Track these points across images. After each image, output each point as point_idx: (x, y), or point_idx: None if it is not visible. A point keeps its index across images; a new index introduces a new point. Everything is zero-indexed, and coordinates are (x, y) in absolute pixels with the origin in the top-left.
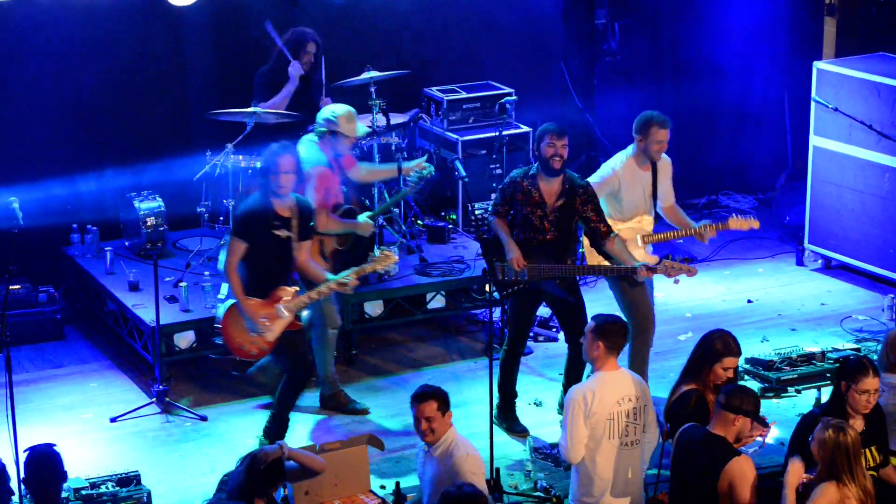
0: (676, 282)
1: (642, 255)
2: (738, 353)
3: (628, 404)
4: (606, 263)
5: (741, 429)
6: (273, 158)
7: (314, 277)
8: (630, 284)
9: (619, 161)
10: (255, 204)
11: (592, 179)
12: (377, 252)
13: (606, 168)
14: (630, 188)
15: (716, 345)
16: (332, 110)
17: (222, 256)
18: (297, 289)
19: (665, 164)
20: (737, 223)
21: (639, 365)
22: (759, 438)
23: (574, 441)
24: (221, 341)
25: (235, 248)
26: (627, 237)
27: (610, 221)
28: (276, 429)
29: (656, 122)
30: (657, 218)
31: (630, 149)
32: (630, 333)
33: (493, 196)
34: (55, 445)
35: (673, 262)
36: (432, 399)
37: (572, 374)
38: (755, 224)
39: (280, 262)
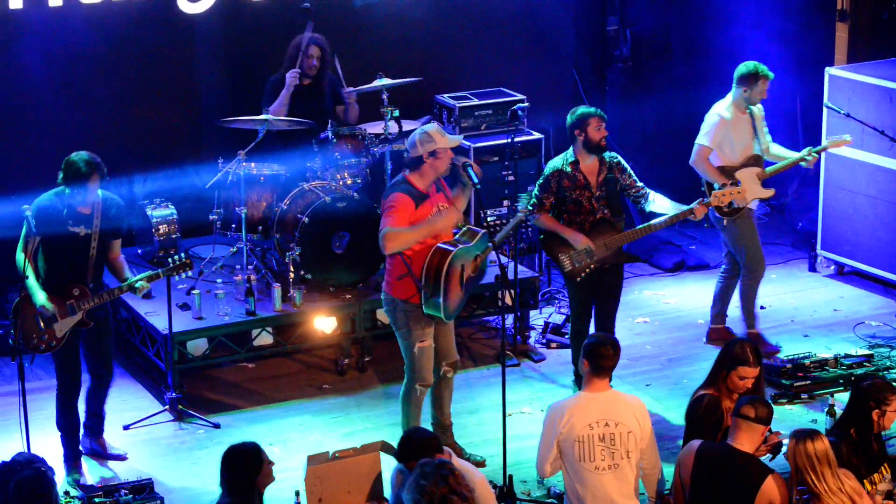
0: (730, 209)
1: (761, 191)
2: (754, 363)
3: (603, 428)
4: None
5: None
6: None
7: (119, 277)
8: (740, 230)
9: (723, 109)
10: (53, 199)
11: (704, 131)
12: (175, 259)
13: (713, 117)
14: (738, 131)
15: (733, 352)
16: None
17: (19, 250)
18: (91, 286)
19: (758, 108)
20: (833, 143)
21: (748, 301)
22: (769, 454)
23: (540, 457)
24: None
25: (28, 240)
26: (746, 177)
27: (728, 166)
28: (70, 451)
29: (763, 75)
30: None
31: (730, 97)
32: (740, 274)
33: (533, 192)
34: (46, 469)
35: (720, 191)
36: (438, 452)
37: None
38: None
39: (74, 260)
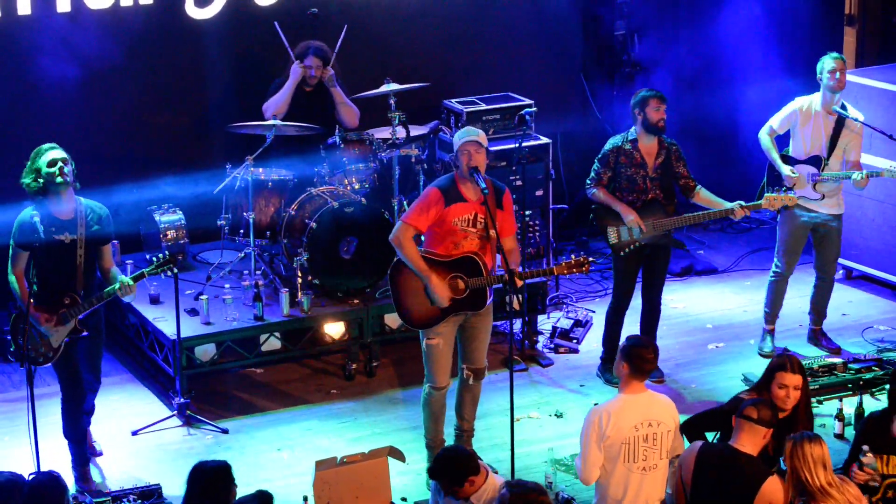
0: (779, 212)
1: (809, 191)
2: (792, 370)
3: (647, 429)
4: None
5: (767, 442)
6: (42, 155)
7: (112, 283)
8: (780, 224)
9: (805, 101)
10: (32, 211)
11: (778, 113)
12: (159, 258)
13: (791, 105)
14: (812, 128)
15: (774, 360)
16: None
17: (10, 271)
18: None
19: (854, 124)
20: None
21: (769, 297)
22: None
23: (587, 464)
24: (13, 348)
25: (16, 256)
26: (801, 173)
27: (792, 157)
28: (78, 458)
29: (828, 58)
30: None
31: (819, 92)
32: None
33: (593, 167)
34: (59, 476)
35: (773, 195)
36: (472, 474)
37: (644, 333)
38: None
39: (62, 268)
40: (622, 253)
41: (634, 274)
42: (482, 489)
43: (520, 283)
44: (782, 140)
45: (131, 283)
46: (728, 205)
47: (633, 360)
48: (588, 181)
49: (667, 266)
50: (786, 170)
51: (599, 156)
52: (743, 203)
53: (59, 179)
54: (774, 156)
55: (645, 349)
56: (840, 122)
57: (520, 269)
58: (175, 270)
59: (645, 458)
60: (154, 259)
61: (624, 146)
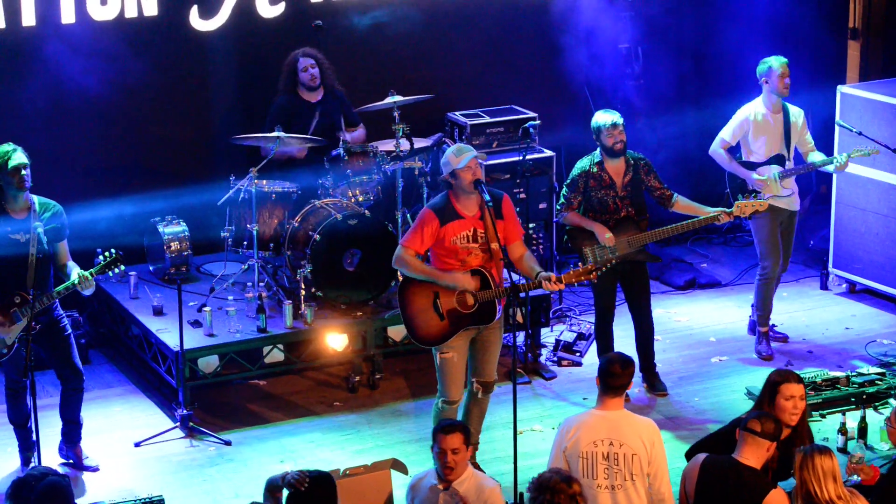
0: (751, 218)
1: (777, 188)
2: (795, 380)
3: (608, 447)
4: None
5: (771, 456)
6: (7, 158)
7: (67, 279)
8: (756, 225)
9: (751, 109)
10: None
11: (728, 125)
12: (105, 256)
13: (739, 115)
14: (766, 130)
15: (772, 377)
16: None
17: None
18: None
19: (797, 112)
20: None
21: (758, 298)
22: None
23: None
24: None
25: None
26: (766, 175)
27: (753, 162)
28: (23, 443)
29: (773, 61)
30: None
31: (760, 97)
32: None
33: (562, 192)
34: (66, 477)
35: (743, 202)
36: (458, 431)
37: (641, 348)
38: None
39: (14, 266)
40: (600, 272)
41: (612, 289)
42: (466, 472)
43: (561, 286)
44: (733, 152)
45: (89, 276)
46: (710, 211)
47: (605, 378)
48: (557, 206)
49: (647, 280)
50: (754, 175)
51: (568, 181)
52: (726, 210)
53: (18, 185)
54: (735, 165)
55: (612, 366)
56: (787, 117)
57: (538, 269)
58: (122, 268)
59: (606, 476)
60: (100, 259)
61: (591, 169)
